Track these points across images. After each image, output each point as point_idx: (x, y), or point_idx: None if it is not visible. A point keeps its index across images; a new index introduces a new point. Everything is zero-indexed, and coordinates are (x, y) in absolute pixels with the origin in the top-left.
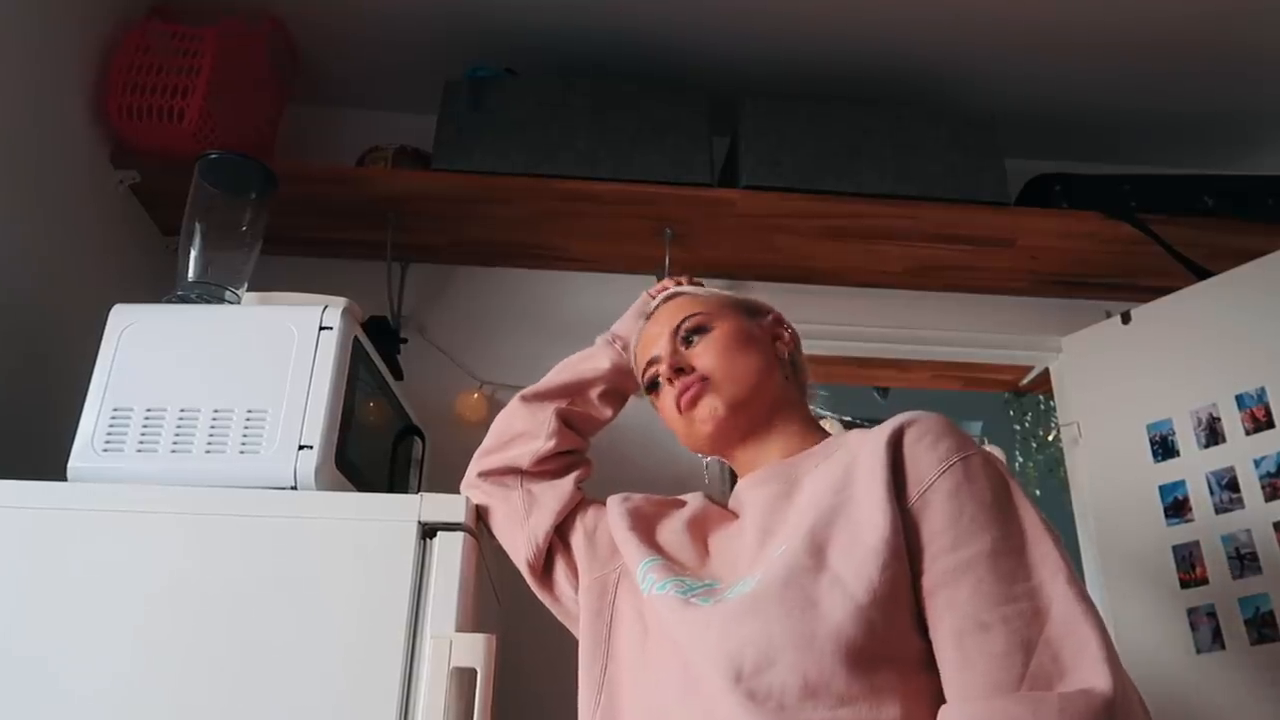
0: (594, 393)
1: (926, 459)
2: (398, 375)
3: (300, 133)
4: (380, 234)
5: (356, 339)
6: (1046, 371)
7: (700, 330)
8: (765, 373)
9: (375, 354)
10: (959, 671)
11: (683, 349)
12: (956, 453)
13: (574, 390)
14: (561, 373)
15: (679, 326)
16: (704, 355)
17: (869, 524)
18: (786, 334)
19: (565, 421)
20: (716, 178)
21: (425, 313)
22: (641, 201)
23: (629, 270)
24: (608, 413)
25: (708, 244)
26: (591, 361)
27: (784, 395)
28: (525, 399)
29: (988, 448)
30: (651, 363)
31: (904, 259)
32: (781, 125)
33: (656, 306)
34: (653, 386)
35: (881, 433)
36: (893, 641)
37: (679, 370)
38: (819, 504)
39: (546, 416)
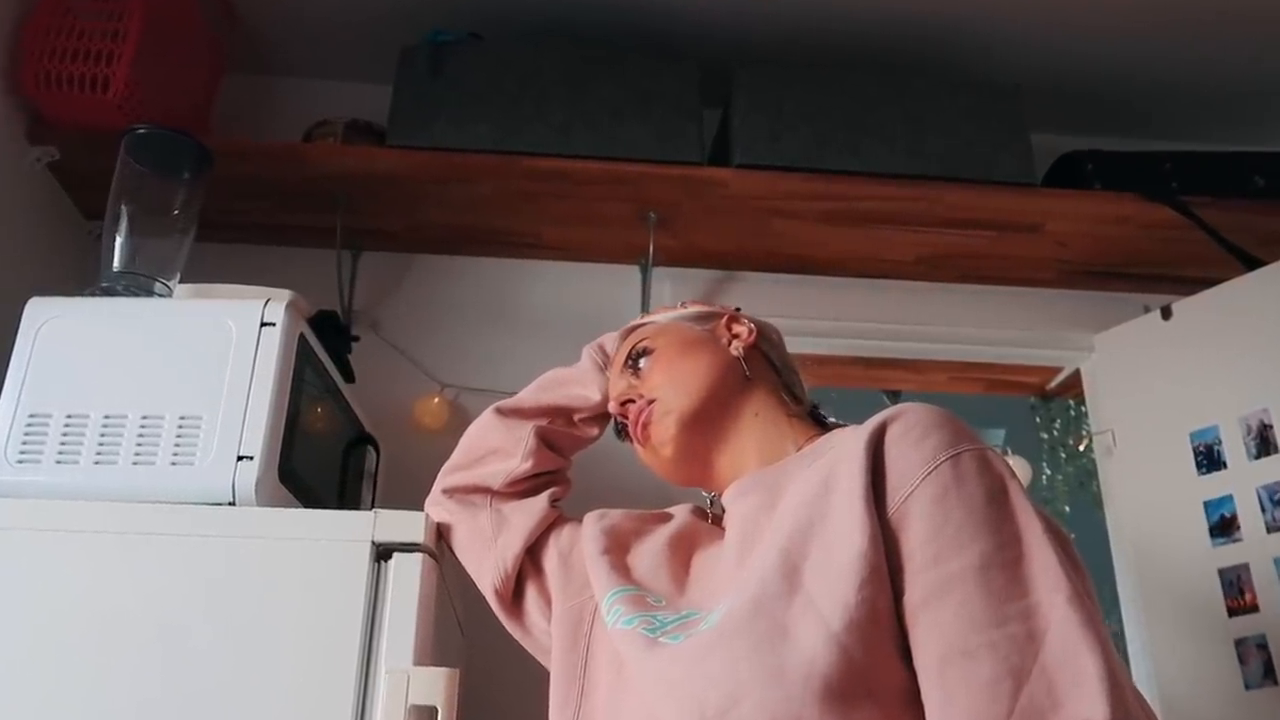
0: (578, 417)
1: (909, 459)
2: (348, 377)
3: (239, 105)
4: (329, 218)
5: (302, 336)
6: (1077, 373)
7: (645, 354)
8: (714, 373)
9: (323, 353)
10: (941, 709)
11: (633, 380)
12: (945, 450)
13: (556, 414)
14: (544, 391)
15: (626, 359)
16: (649, 377)
17: (843, 539)
18: (745, 330)
19: (545, 441)
20: (707, 155)
21: (379, 307)
22: (622, 182)
23: (608, 259)
24: (593, 432)
25: (697, 230)
26: (578, 388)
27: (748, 393)
28: (501, 413)
29: (1011, 459)
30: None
31: (916, 247)
32: (780, 96)
33: (618, 345)
34: (620, 432)
35: (863, 431)
36: (873, 674)
37: (627, 402)
38: (795, 517)
39: (524, 435)
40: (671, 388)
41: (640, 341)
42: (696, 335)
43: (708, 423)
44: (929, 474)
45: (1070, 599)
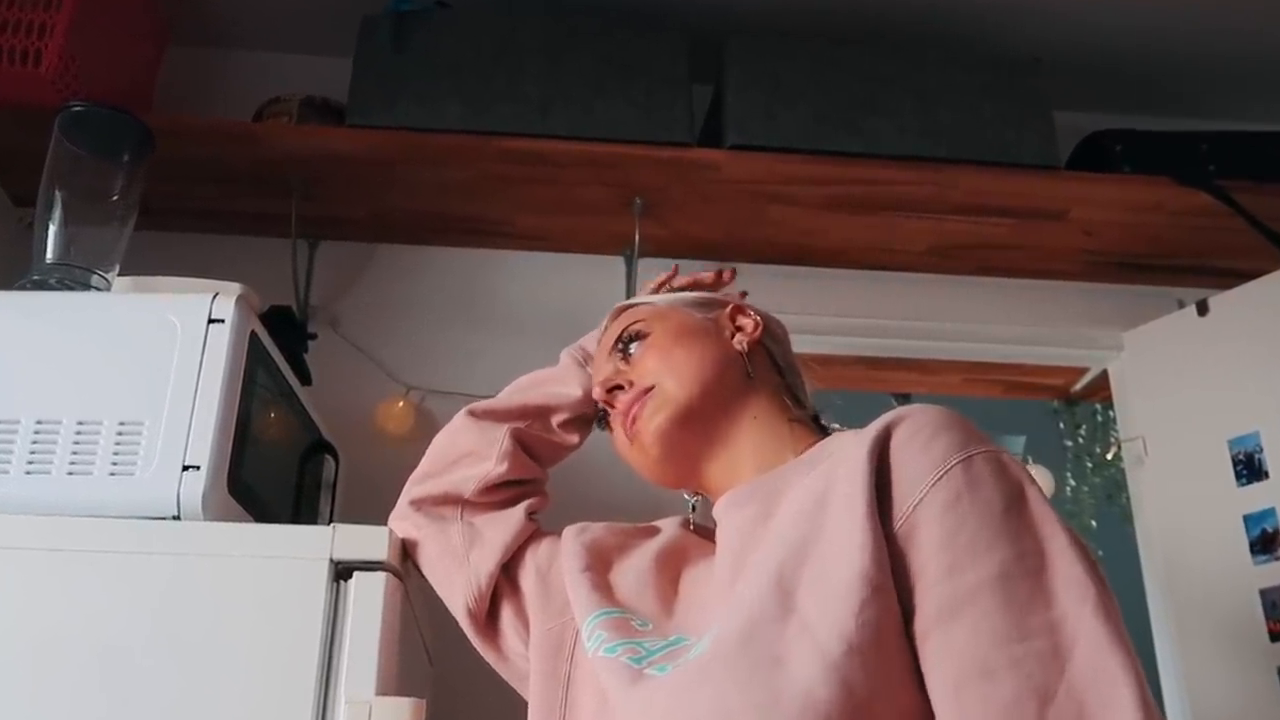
0: (557, 419)
1: (917, 465)
2: (305, 379)
3: (184, 80)
4: (283, 205)
5: (254, 334)
6: (1105, 374)
7: (637, 338)
8: (714, 367)
9: (277, 353)
10: None
11: (622, 366)
12: (956, 452)
13: (534, 414)
14: (521, 392)
15: (617, 341)
16: (641, 363)
17: (842, 556)
18: (750, 323)
19: (521, 444)
20: (697, 135)
21: (339, 302)
22: (605, 164)
23: (589, 250)
24: (573, 439)
25: (686, 217)
26: (558, 385)
27: (748, 394)
28: (474, 414)
29: (1031, 468)
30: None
31: (928, 236)
32: (777, 70)
33: (606, 325)
34: (602, 420)
35: (866, 435)
36: (878, 703)
37: (615, 389)
38: (789, 533)
39: (499, 436)
40: (666, 374)
41: (633, 324)
42: (697, 323)
43: (702, 422)
44: (939, 479)
45: (1097, 611)
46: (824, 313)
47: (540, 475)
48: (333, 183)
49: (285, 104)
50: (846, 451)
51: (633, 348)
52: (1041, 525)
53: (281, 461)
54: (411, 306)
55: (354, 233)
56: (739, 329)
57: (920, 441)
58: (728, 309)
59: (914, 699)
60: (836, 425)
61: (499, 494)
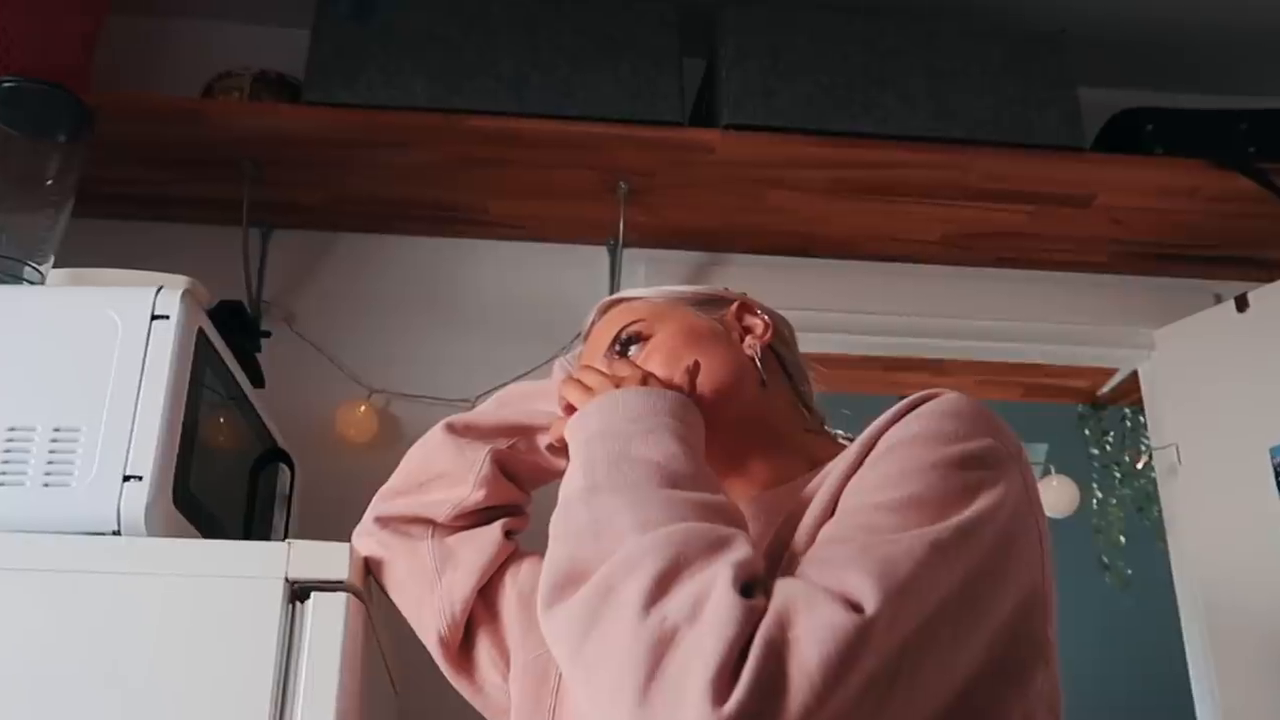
0: (545, 440)
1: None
2: (257, 381)
3: (125, 54)
4: (234, 189)
5: (201, 332)
6: (1134, 376)
7: (636, 341)
8: (728, 376)
9: (227, 352)
10: None
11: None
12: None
13: (519, 433)
14: (506, 407)
15: (613, 343)
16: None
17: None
18: (760, 324)
19: (502, 468)
20: (688, 114)
21: (295, 296)
22: (586, 146)
23: (569, 239)
24: (561, 463)
25: (677, 203)
26: (547, 402)
27: (764, 405)
28: (453, 430)
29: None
30: None
31: (942, 224)
32: (777, 43)
33: (592, 324)
34: None
35: (864, 435)
36: None
37: None
38: (784, 555)
39: (478, 459)
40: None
41: (632, 324)
42: (704, 325)
43: (717, 439)
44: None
45: (936, 546)
46: (827, 308)
47: (521, 500)
48: (288, 165)
49: (236, 79)
50: (848, 455)
51: (632, 351)
52: (972, 500)
53: (232, 471)
54: (375, 301)
55: (312, 220)
56: (747, 330)
57: (916, 429)
58: (733, 307)
59: None
60: (841, 432)
61: (474, 519)
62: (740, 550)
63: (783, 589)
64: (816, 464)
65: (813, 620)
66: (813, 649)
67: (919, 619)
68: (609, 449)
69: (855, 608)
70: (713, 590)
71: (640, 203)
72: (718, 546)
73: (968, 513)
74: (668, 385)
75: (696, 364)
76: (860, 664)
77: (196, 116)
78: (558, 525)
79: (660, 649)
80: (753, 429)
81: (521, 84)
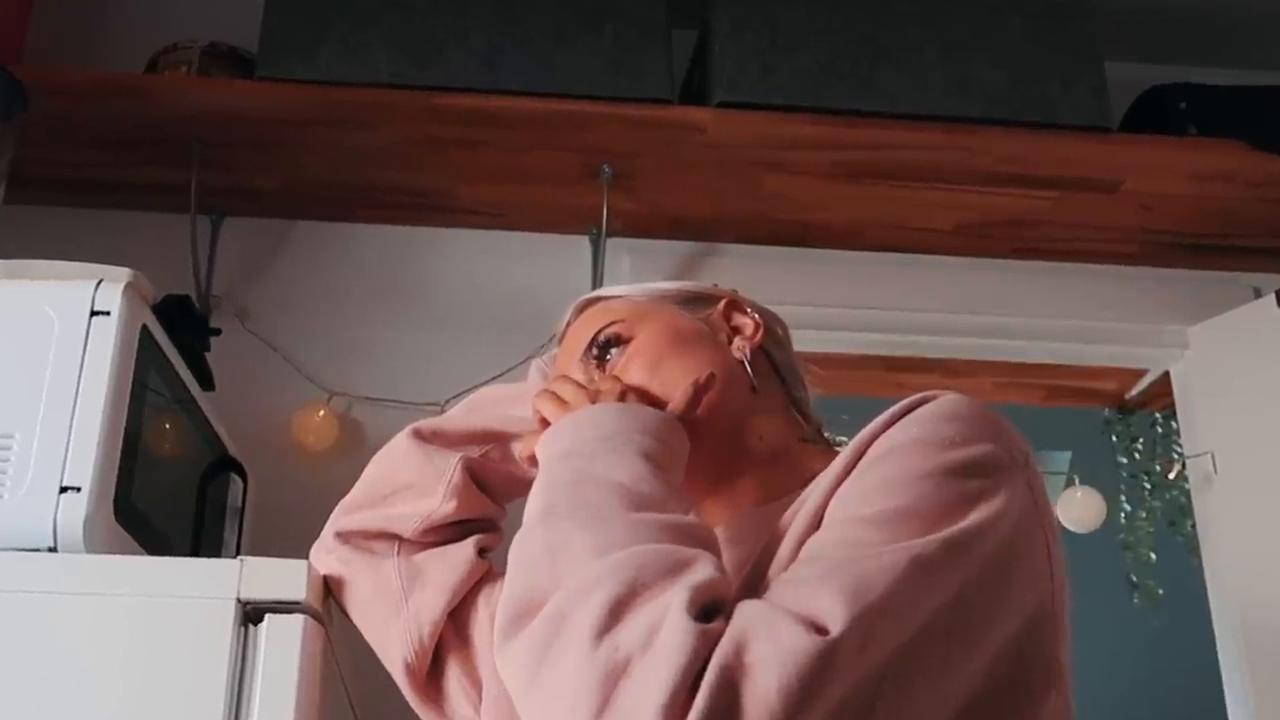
0: (520, 450)
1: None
2: (207, 384)
3: (62, 25)
4: (181, 173)
5: (146, 329)
6: (1166, 377)
7: (615, 344)
8: (717, 380)
9: (174, 352)
10: None
11: (597, 376)
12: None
13: (493, 439)
14: (478, 412)
15: (590, 346)
16: (623, 375)
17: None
18: (749, 323)
19: (474, 477)
20: (678, 91)
21: (247, 290)
22: (566, 125)
23: (548, 227)
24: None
25: (664, 189)
26: (523, 407)
27: (754, 412)
28: (420, 436)
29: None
30: None
31: (956, 211)
32: (774, 12)
33: (567, 325)
34: None
35: (854, 442)
36: None
37: None
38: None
39: (448, 468)
40: (660, 394)
41: (610, 324)
42: (689, 326)
43: (704, 450)
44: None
45: (918, 562)
46: (827, 303)
47: (494, 513)
48: (240, 147)
49: (183, 52)
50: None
51: (612, 354)
52: (968, 511)
53: (179, 482)
54: (335, 296)
55: (266, 207)
56: (736, 330)
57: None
58: (720, 305)
59: None
60: (843, 439)
61: (444, 534)
62: (700, 572)
63: (743, 612)
64: (812, 477)
65: (772, 644)
66: (770, 676)
67: (899, 641)
68: (571, 469)
69: (819, 629)
70: (667, 616)
71: (625, 188)
72: (676, 569)
73: (962, 525)
74: (659, 402)
75: (711, 377)
76: (826, 691)
77: (140, 93)
78: (516, 552)
79: (612, 681)
80: (742, 440)
81: (495, 57)
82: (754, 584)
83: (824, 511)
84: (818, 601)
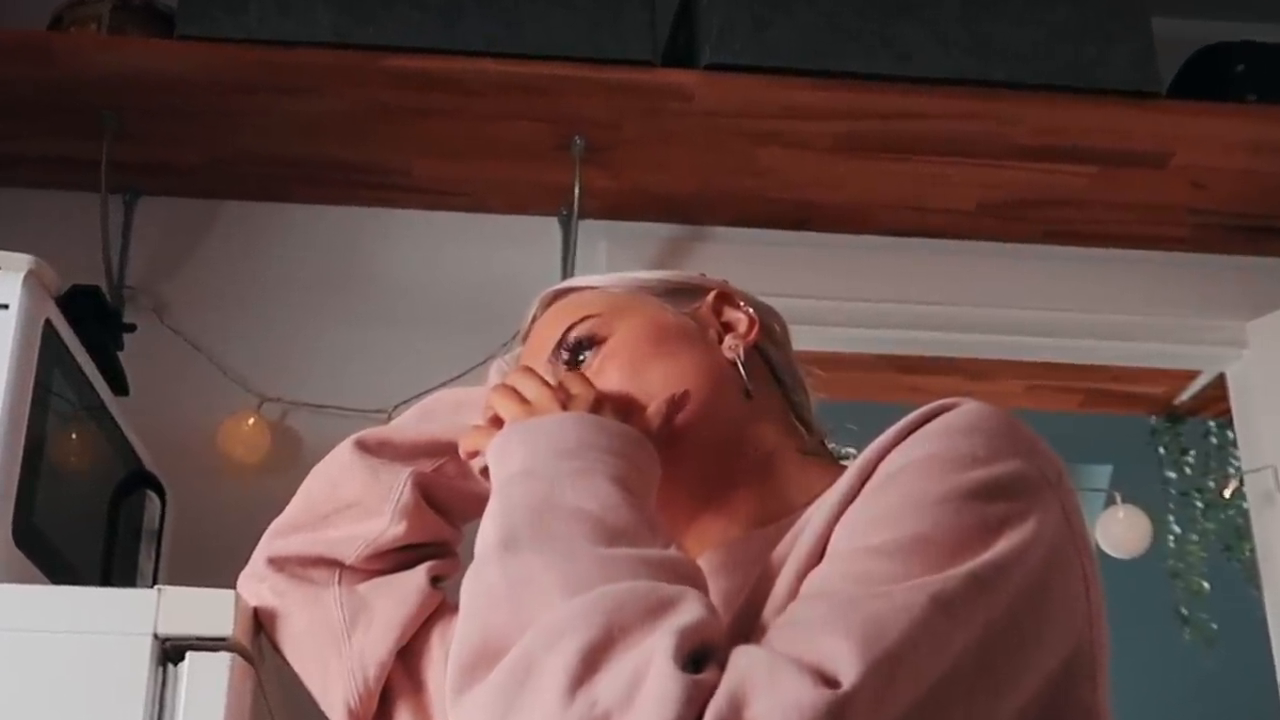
0: (480, 461)
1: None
2: (120, 388)
3: None
4: (90, 146)
5: (50, 325)
6: (1221, 380)
7: (591, 342)
8: (706, 387)
9: (82, 351)
10: None
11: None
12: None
13: (448, 451)
14: (431, 419)
15: (559, 346)
16: (598, 380)
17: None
18: (743, 319)
19: (426, 495)
20: (661, 52)
21: (167, 280)
22: (535, 90)
23: (514, 208)
24: None
25: (645, 163)
26: (479, 415)
27: (749, 420)
28: (364, 447)
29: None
30: None
31: (980, 189)
32: None
33: (533, 320)
34: None
35: (861, 459)
36: None
37: None
38: (739, 605)
39: (396, 484)
40: (636, 403)
41: (583, 320)
42: (674, 322)
43: (690, 464)
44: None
45: (939, 601)
46: (834, 295)
47: (449, 537)
48: (158, 116)
49: (92, 7)
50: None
51: (585, 356)
52: (992, 541)
53: (87, 501)
54: (268, 287)
55: (188, 185)
56: (727, 326)
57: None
58: (709, 298)
59: None
60: (850, 451)
61: (392, 560)
62: (687, 614)
63: (741, 659)
64: (814, 495)
65: (774, 698)
66: None
67: (918, 693)
68: (531, 493)
69: (829, 681)
70: (651, 665)
71: (601, 162)
72: (659, 610)
73: (987, 556)
74: (630, 408)
75: (685, 395)
76: None
77: (42, 54)
78: (470, 587)
79: None
80: (733, 453)
81: (453, 13)
82: (747, 623)
83: (828, 539)
84: (825, 648)
